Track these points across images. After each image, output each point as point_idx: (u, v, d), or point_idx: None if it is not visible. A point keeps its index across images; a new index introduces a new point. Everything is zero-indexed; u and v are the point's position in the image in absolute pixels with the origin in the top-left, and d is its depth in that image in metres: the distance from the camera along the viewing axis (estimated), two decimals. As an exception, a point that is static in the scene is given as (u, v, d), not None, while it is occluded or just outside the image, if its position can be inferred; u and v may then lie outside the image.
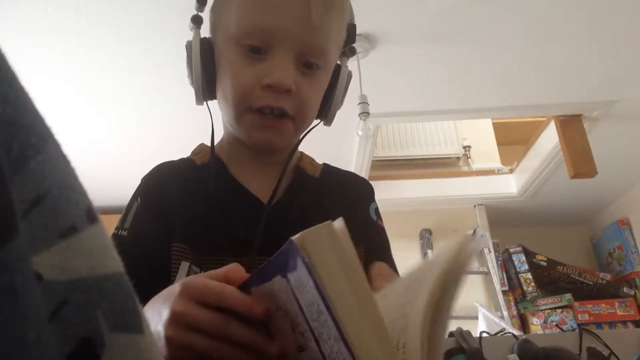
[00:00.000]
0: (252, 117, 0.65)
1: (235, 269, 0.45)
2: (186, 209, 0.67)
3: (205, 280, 0.43)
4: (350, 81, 0.75)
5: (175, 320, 0.42)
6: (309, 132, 0.74)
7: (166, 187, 0.69)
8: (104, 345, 0.19)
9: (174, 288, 0.44)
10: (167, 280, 0.63)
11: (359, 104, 1.95)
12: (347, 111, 1.77)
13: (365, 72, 1.99)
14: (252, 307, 0.40)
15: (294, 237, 0.34)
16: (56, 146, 0.21)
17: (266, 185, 0.71)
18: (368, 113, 1.96)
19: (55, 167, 0.20)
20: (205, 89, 0.69)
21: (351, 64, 2.24)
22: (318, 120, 0.74)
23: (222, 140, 0.76)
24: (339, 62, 0.74)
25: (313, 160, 0.80)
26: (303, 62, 0.65)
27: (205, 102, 0.71)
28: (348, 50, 0.75)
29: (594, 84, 2.28)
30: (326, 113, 0.73)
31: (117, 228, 0.66)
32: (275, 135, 0.67)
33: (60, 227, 0.19)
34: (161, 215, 0.67)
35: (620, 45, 2.06)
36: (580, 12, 1.89)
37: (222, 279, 0.44)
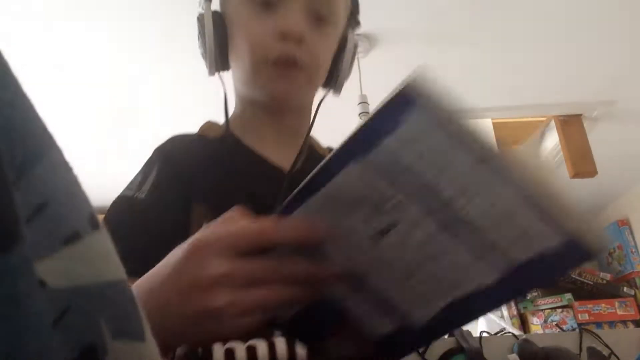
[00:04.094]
0: (268, 70, 0.66)
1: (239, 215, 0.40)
2: (205, 176, 0.66)
3: (227, 227, 0.38)
4: (356, 51, 0.77)
5: (221, 284, 0.35)
6: (321, 102, 0.75)
7: (184, 155, 0.68)
8: (106, 353, 0.19)
9: (179, 257, 0.39)
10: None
11: (359, 103, 1.95)
12: (347, 111, 1.78)
13: (365, 72, 1.99)
14: (311, 230, 0.36)
15: (408, 82, 0.28)
16: (59, 153, 0.21)
17: (284, 155, 0.71)
18: (368, 113, 1.96)
19: (58, 173, 0.20)
20: (219, 59, 0.70)
21: (351, 64, 2.20)
22: (328, 90, 0.76)
23: (234, 114, 0.76)
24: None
25: (319, 142, 0.82)
26: (313, 14, 0.66)
27: (217, 74, 0.73)
28: (353, 22, 0.78)
29: (594, 84, 2.28)
30: (335, 81, 0.74)
31: (132, 192, 0.64)
32: (289, 87, 0.67)
33: (63, 234, 0.19)
34: (181, 178, 0.65)
35: (620, 45, 2.05)
36: (580, 13, 1.89)
37: (237, 225, 0.39)
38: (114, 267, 0.21)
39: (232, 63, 0.71)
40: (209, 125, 0.75)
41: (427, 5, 1.83)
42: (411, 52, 2.07)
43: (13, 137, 0.20)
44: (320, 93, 0.76)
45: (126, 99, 2.26)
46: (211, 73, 0.73)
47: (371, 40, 1.99)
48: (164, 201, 0.62)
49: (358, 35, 2.06)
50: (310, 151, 0.77)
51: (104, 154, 2.69)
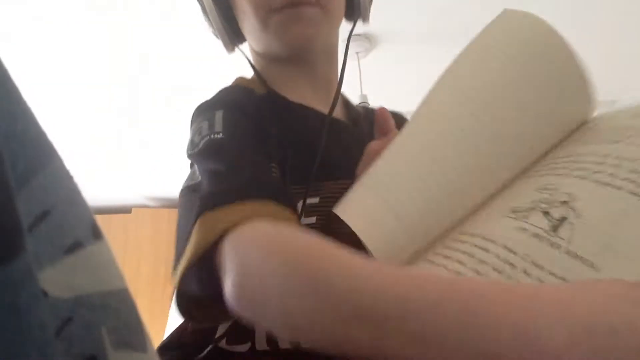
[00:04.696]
0: (276, 18, 0.59)
1: None
2: (272, 131, 0.58)
3: None
4: None
5: None
6: (350, 36, 0.67)
7: (246, 102, 0.60)
8: (108, 364, 0.19)
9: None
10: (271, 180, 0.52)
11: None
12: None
13: (365, 72, 1.99)
14: None
15: None
16: (60, 161, 0.21)
17: (325, 105, 0.65)
18: (368, 113, 1.96)
19: (60, 182, 0.20)
20: (230, 31, 0.66)
21: (351, 63, 2.22)
22: (354, 21, 0.69)
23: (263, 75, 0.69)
24: None
25: (348, 98, 0.77)
26: None
27: (235, 47, 0.68)
28: None
29: (594, 84, 2.28)
30: (358, 8, 0.67)
31: (205, 135, 0.53)
32: (304, 26, 0.60)
33: (65, 243, 0.19)
34: (252, 121, 0.56)
35: (620, 45, 2.06)
36: (580, 13, 1.89)
37: None
38: (116, 276, 0.21)
39: (242, 25, 0.65)
40: (247, 82, 0.67)
41: (427, 5, 1.83)
42: (411, 52, 2.07)
43: (14, 145, 0.20)
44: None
45: (126, 99, 2.26)
46: (228, 49, 0.68)
47: (371, 40, 1.99)
48: (245, 136, 0.53)
49: (359, 35, 2.06)
50: (349, 107, 0.72)
51: (103, 155, 2.70)
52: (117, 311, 0.20)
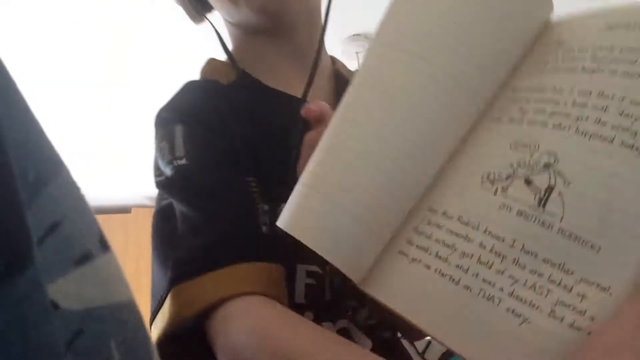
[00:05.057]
0: None
1: None
2: (242, 140, 0.51)
3: None
4: None
5: None
6: (330, 3, 0.59)
7: (208, 114, 0.52)
8: (115, 378, 0.19)
9: None
10: (253, 211, 0.47)
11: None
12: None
13: (365, 72, 1.99)
14: None
15: None
16: (67, 171, 0.21)
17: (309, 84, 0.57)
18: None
19: (69, 192, 0.20)
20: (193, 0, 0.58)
21: (351, 63, 2.23)
22: None
23: (237, 53, 0.60)
24: None
25: (344, 65, 0.69)
26: None
27: (203, 17, 0.61)
28: None
29: None
30: None
31: (168, 162, 0.48)
32: None
33: (76, 254, 0.19)
34: (221, 132, 0.50)
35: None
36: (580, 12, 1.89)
37: None
38: (124, 288, 0.21)
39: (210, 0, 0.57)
40: (214, 67, 0.60)
41: (427, 5, 1.83)
42: (411, 51, 2.07)
43: (25, 154, 0.20)
44: None
45: (126, 99, 2.26)
46: (195, 19, 0.61)
47: (371, 40, 1.99)
48: (213, 163, 0.48)
49: (358, 35, 2.06)
50: (339, 80, 0.63)
51: (103, 155, 2.69)
52: (126, 323, 0.20)
